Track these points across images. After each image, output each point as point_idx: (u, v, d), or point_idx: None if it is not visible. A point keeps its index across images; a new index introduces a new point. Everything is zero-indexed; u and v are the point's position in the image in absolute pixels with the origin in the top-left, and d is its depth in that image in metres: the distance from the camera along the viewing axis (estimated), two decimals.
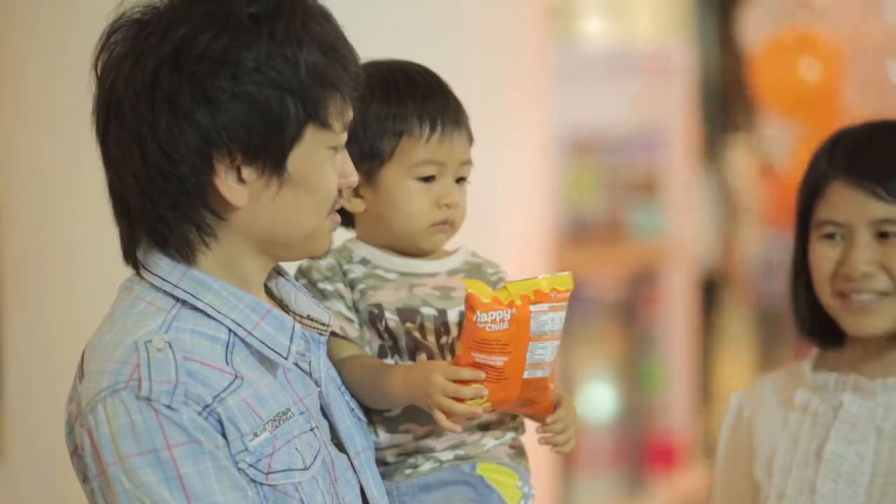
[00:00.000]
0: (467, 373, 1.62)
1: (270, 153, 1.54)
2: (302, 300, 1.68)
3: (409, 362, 1.73)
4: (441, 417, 1.63)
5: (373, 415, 1.74)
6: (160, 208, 1.54)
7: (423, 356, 1.73)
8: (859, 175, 1.93)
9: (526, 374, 1.65)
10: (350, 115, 1.60)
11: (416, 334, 1.74)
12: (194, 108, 1.51)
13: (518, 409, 1.74)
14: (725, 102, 9.50)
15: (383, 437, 1.73)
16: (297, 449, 1.56)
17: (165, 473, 1.46)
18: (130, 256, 1.60)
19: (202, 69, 1.51)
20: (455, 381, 1.62)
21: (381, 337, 1.74)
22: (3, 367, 2.73)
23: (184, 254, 1.56)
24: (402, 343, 1.74)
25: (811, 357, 2.08)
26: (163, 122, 1.51)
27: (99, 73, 1.57)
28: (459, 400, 1.62)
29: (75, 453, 1.57)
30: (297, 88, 1.54)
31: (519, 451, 1.80)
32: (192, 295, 1.56)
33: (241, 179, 1.54)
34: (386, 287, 1.76)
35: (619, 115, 6.55)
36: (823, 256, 1.97)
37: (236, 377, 1.54)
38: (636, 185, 6.67)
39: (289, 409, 1.57)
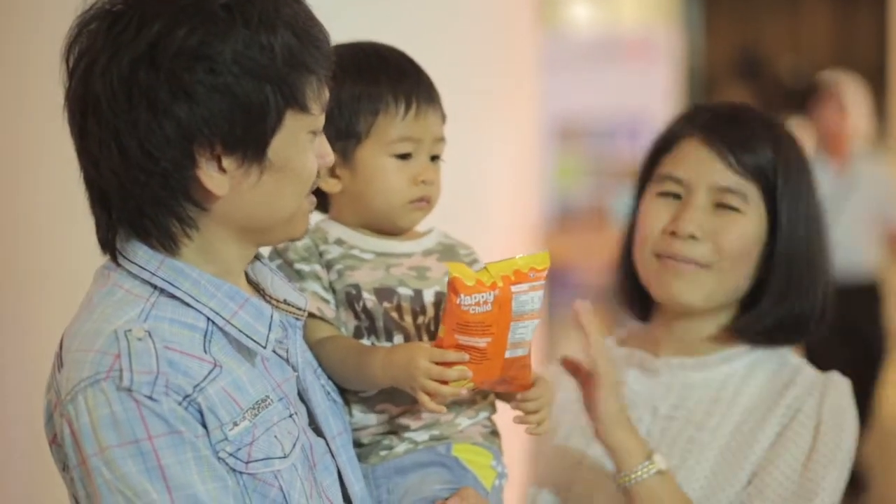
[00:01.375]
0: (452, 355, 1.62)
1: (251, 143, 1.52)
2: (278, 284, 1.67)
3: (386, 343, 1.73)
4: (426, 399, 1.63)
5: (348, 395, 1.74)
6: (142, 203, 1.53)
7: (399, 337, 1.73)
8: (717, 138, 1.89)
9: (508, 354, 1.65)
10: (326, 95, 1.59)
11: (394, 314, 1.73)
12: (173, 103, 1.49)
13: (498, 387, 1.73)
14: (711, 89, 9.51)
15: (358, 417, 1.73)
16: (276, 437, 1.55)
17: (146, 464, 1.45)
18: (108, 245, 1.58)
19: (179, 65, 1.48)
20: (439, 364, 1.62)
21: (357, 317, 1.73)
22: None
23: (166, 246, 1.55)
24: (380, 323, 1.73)
25: (621, 329, 2.03)
26: (142, 118, 1.49)
27: (70, 66, 1.54)
28: (444, 382, 1.62)
29: (54, 442, 1.55)
30: (274, 76, 1.52)
31: (492, 430, 1.80)
32: (169, 283, 1.55)
33: (221, 169, 1.53)
34: (363, 267, 1.75)
35: (605, 101, 6.56)
36: (653, 213, 1.92)
37: (215, 366, 1.52)
38: (621, 171, 6.68)
39: (268, 397, 1.56)
